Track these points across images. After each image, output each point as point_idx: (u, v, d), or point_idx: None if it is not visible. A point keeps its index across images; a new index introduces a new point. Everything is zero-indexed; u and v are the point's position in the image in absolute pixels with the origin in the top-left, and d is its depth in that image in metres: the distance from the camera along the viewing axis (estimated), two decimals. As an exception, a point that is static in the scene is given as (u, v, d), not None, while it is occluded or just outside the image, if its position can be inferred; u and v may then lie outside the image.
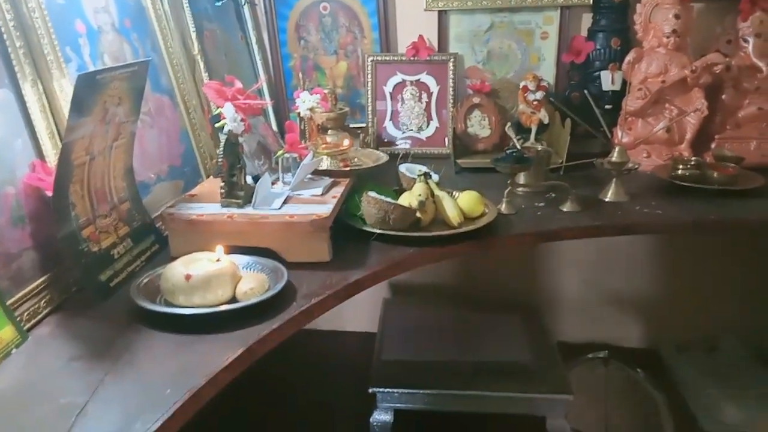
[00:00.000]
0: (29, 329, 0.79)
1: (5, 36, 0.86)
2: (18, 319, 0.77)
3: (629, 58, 1.54)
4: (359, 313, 1.98)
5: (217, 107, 1.08)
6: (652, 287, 1.91)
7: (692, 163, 1.41)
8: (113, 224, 0.95)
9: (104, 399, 0.67)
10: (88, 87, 0.80)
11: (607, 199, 1.31)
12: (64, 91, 0.92)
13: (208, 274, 0.84)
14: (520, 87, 1.59)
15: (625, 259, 1.88)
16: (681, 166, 1.41)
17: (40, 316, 0.82)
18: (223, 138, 1.03)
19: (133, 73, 0.92)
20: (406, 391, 1.45)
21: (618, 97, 1.60)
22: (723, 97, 1.53)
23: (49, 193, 0.83)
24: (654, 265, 1.89)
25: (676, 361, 1.87)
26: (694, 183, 1.34)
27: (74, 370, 0.72)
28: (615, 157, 1.31)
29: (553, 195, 1.33)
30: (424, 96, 1.71)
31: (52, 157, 0.88)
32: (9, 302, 0.77)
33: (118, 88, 0.88)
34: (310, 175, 1.20)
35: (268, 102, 1.58)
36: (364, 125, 1.72)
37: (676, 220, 1.23)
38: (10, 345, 0.74)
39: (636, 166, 1.34)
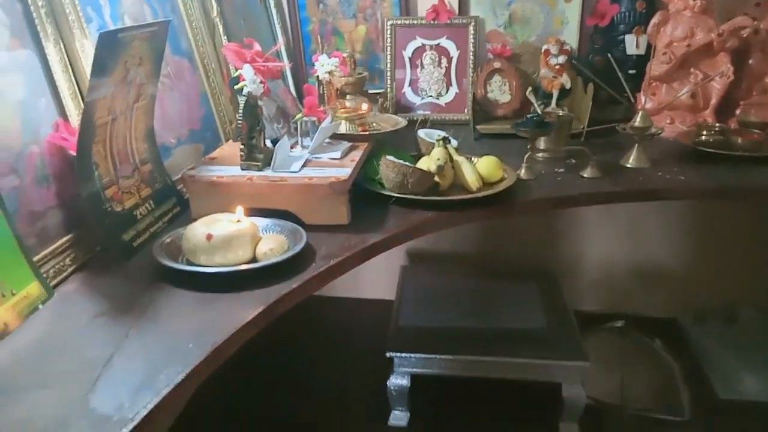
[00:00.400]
0: (55, 286, 0.81)
1: (27, -5, 0.87)
2: (44, 275, 0.79)
3: (654, 20, 1.50)
4: (377, 281, 1.99)
5: (237, 69, 1.07)
6: (672, 256, 1.89)
7: (716, 129, 1.39)
8: (135, 185, 0.96)
9: (129, 352, 0.68)
10: (109, 46, 0.81)
11: (628, 165, 1.29)
12: (86, 51, 0.93)
13: (228, 234, 0.85)
14: (542, 51, 1.56)
15: (644, 228, 1.86)
16: (705, 132, 1.38)
17: (65, 274, 0.84)
18: (242, 100, 1.03)
19: (154, 33, 0.91)
20: (422, 356, 1.47)
21: (642, 61, 1.57)
22: (750, 61, 1.49)
23: (73, 153, 0.84)
24: (674, 233, 1.87)
25: (694, 330, 1.86)
26: (717, 149, 1.31)
27: (99, 325, 0.74)
28: (638, 122, 1.29)
29: (574, 161, 1.31)
30: (444, 61, 1.69)
31: (74, 118, 0.89)
32: (35, 259, 0.79)
33: (138, 48, 0.88)
34: (328, 139, 1.19)
35: (286, 64, 1.57)
36: (382, 90, 1.71)
37: (699, 187, 1.22)
38: (36, 300, 0.76)
39: (659, 132, 1.32)
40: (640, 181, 1.22)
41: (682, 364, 1.73)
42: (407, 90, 1.72)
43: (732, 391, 1.64)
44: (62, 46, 0.91)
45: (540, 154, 1.34)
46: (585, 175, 1.23)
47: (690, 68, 1.50)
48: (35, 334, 0.72)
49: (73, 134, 0.86)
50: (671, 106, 1.49)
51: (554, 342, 1.49)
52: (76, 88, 0.91)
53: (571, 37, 1.65)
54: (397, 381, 1.50)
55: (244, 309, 0.77)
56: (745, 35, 1.45)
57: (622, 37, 1.60)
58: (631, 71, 1.58)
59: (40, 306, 0.76)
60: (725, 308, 1.89)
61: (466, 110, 1.68)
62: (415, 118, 1.60)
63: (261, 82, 1.04)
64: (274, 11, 1.68)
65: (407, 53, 1.70)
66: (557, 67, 1.52)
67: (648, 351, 1.83)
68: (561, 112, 1.42)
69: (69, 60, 0.91)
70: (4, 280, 0.72)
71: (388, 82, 1.70)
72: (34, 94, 0.86)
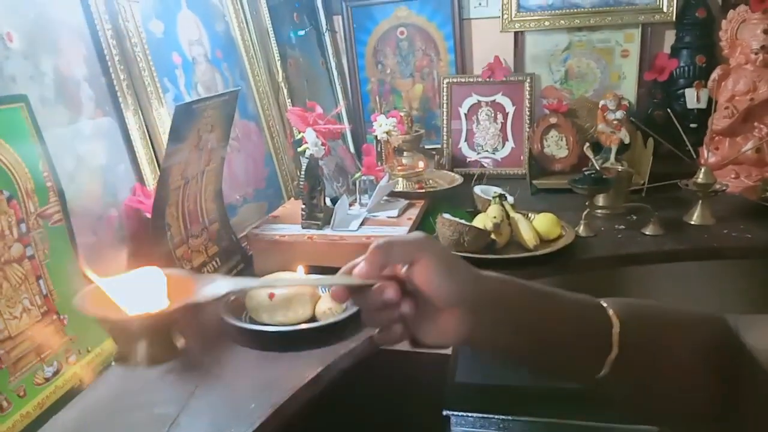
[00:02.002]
0: (127, 342, 0.85)
1: (111, 69, 0.95)
2: (118, 331, 0.83)
3: (715, 75, 1.48)
4: (433, 333, 1.98)
5: (300, 132, 1.12)
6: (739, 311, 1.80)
7: (784, 184, 1.34)
8: (204, 244, 1.00)
9: (195, 411, 0.71)
10: (184, 116, 0.86)
11: (692, 222, 1.26)
12: (162, 119, 1.00)
13: (290, 293, 0.88)
14: (600, 106, 1.56)
15: (710, 287, 1.79)
16: (772, 188, 1.34)
17: (137, 330, 0.88)
18: (304, 162, 1.08)
19: (225, 102, 0.97)
20: (480, 415, 1.45)
21: (704, 115, 1.54)
22: (817, 114, 1.45)
23: (148, 215, 0.89)
24: (741, 293, 1.79)
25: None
26: (785, 206, 1.27)
27: (167, 382, 0.77)
28: (701, 178, 1.26)
29: (635, 217, 1.29)
30: (500, 116, 1.71)
31: (150, 181, 0.95)
32: (110, 316, 0.83)
33: (210, 116, 0.94)
34: (386, 197, 1.22)
35: (346, 126, 1.63)
36: (438, 146, 1.74)
37: (767, 245, 1.17)
38: (109, 357, 0.80)
39: (723, 188, 1.29)
40: (705, 239, 1.19)
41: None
42: (463, 145, 1.74)
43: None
44: (141, 114, 0.98)
45: (599, 211, 1.32)
46: (647, 233, 1.21)
47: (754, 122, 1.47)
48: (108, 389, 0.76)
49: (148, 197, 0.92)
50: (735, 161, 1.46)
51: (618, 404, 1.43)
52: (153, 153, 0.98)
53: (629, 92, 1.65)
54: (454, 440, 1.47)
55: (304, 369, 0.78)
56: (811, 88, 1.41)
57: (681, 91, 1.58)
58: (692, 125, 1.55)
59: (113, 363, 0.80)
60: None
61: (522, 162, 1.69)
62: (471, 173, 1.62)
63: (322, 144, 1.09)
64: (335, 73, 1.76)
65: (463, 109, 1.73)
66: (615, 122, 1.52)
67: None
68: (620, 168, 1.41)
69: (147, 128, 0.98)
70: (80, 338, 0.76)
71: (445, 138, 1.73)
72: (114, 160, 0.92)
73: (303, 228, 1.07)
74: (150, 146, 0.98)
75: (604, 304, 0.56)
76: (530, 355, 0.55)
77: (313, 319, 0.89)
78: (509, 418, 1.43)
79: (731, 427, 0.55)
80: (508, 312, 0.52)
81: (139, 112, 0.98)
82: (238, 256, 1.10)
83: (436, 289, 0.50)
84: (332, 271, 1.00)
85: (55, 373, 0.72)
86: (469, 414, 1.44)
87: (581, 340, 0.54)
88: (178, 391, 0.75)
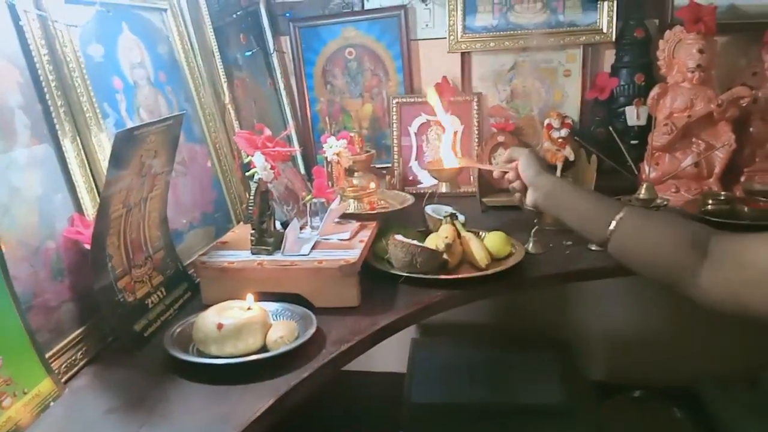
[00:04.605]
0: (66, 381, 0.81)
1: (47, 95, 0.91)
2: (56, 371, 0.79)
3: (654, 93, 1.54)
4: (387, 353, 1.96)
5: (248, 156, 1.10)
6: (687, 322, 1.86)
7: (722, 197, 1.40)
8: (148, 273, 0.97)
9: (140, 452, 0.68)
10: (125, 143, 0.84)
11: (636, 237, 1.29)
12: (102, 145, 0.96)
13: (239, 323, 0.86)
14: (545, 125, 1.60)
15: (658, 296, 1.85)
16: (711, 201, 1.39)
17: (76, 368, 0.84)
18: (253, 186, 1.06)
19: (169, 126, 0.95)
20: (436, 433, 1.44)
21: (644, 132, 1.60)
22: (751, 129, 1.52)
23: (88, 246, 0.86)
24: (689, 300, 1.85)
25: (714, 397, 1.81)
26: (725, 218, 1.32)
27: (111, 422, 0.74)
28: (643, 193, 1.30)
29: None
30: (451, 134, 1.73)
31: (90, 210, 0.92)
32: (48, 354, 0.79)
33: (154, 141, 0.91)
34: (337, 219, 1.21)
35: (296, 149, 1.62)
36: (389, 165, 1.74)
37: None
38: (48, 398, 0.76)
39: (665, 202, 1.33)
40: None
41: (704, 433, 1.68)
42: (413, 164, 1.75)
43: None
44: (79, 141, 0.94)
45: (548, 227, 1.34)
46: (593, 248, 1.24)
47: (692, 137, 1.53)
48: (46, 433, 0.72)
49: (88, 227, 0.88)
50: (675, 176, 1.51)
51: (574, 418, 1.45)
52: (92, 181, 0.94)
53: (572, 110, 1.69)
54: (412, 460, 1.46)
55: (255, 401, 0.76)
56: (744, 104, 1.48)
57: (622, 109, 1.64)
58: (633, 141, 1.61)
59: (52, 403, 0.76)
60: (745, 373, 1.85)
61: (471, 180, 1.70)
62: (422, 192, 1.62)
63: (272, 168, 1.07)
64: (283, 93, 1.75)
65: (413, 128, 1.74)
66: (560, 140, 1.55)
67: (667, 421, 1.78)
68: (566, 185, 1.44)
69: (86, 154, 0.95)
70: (16, 379, 0.72)
71: (395, 157, 1.74)
72: (50, 189, 0.89)
73: (253, 254, 1.05)
74: (89, 174, 0.94)
75: (622, 208, 0.89)
76: (566, 219, 0.97)
77: (264, 348, 0.87)
78: (466, 436, 1.43)
79: (695, 301, 0.84)
80: (551, 198, 0.98)
81: (78, 139, 0.94)
82: (185, 285, 1.07)
83: (522, 177, 1.02)
84: (283, 297, 0.99)
85: (-12, 419, 0.68)
86: (426, 434, 1.43)
87: (594, 216, 0.92)
88: (123, 431, 0.71)
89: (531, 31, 1.66)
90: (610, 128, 1.50)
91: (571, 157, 1.55)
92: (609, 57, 1.69)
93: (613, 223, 0.88)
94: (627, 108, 1.63)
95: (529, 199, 1.01)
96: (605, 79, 1.64)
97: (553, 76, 1.70)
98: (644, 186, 1.31)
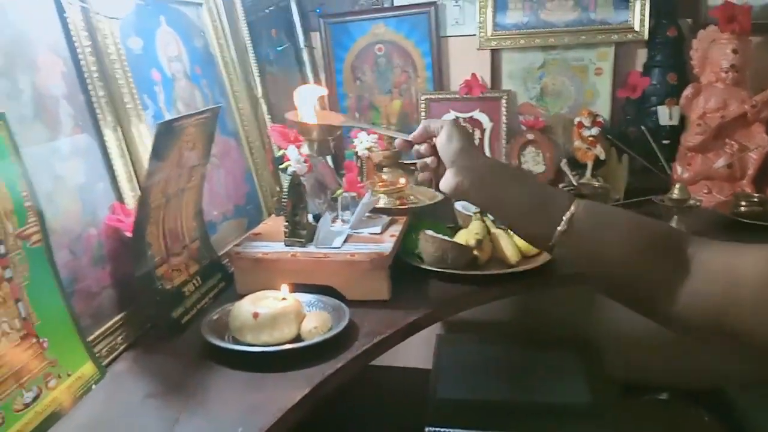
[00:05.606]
0: (107, 365, 0.83)
1: (90, 86, 0.93)
2: (97, 355, 0.81)
3: (687, 93, 1.52)
4: (411, 349, 1.96)
5: (281, 149, 1.12)
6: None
7: (755, 199, 1.38)
8: (185, 262, 0.99)
9: (180, 436, 0.69)
10: (166, 134, 0.85)
11: (667, 237, 1.28)
12: (142, 136, 0.98)
13: (274, 312, 0.87)
14: (575, 123, 1.59)
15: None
16: (743, 203, 1.38)
17: (116, 353, 0.86)
18: (286, 179, 1.07)
19: (206, 119, 0.96)
20: (462, 430, 1.44)
21: (675, 132, 1.58)
22: (786, 131, 1.50)
23: (128, 234, 0.88)
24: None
25: (744, 400, 1.79)
26: (757, 220, 1.30)
27: (150, 407, 0.75)
28: (676, 193, 1.29)
29: (612, 232, 1.31)
30: (477, 132, 1.73)
31: (129, 199, 0.94)
32: (90, 339, 0.81)
33: (192, 133, 0.93)
34: (367, 214, 1.22)
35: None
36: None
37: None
38: (90, 381, 0.78)
39: (698, 203, 1.32)
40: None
41: (733, 438, 1.66)
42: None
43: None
44: (120, 131, 0.96)
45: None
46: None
47: (725, 138, 1.51)
48: (88, 415, 0.74)
49: (128, 216, 0.90)
50: (708, 176, 1.49)
51: (598, 418, 1.44)
52: (132, 171, 0.96)
53: (603, 109, 1.68)
54: (436, 456, 1.46)
55: (291, 390, 0.77)
56: (779, 105, 1.46)
57: (654, 108, 1.62)
58: (665, 141, 1.59)
59: (93, 386, 0.78)
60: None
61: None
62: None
63: (304, 161, 1.08)
64: (313, 88, 1.76)
65: (441, 125, 1.74)
66: (591, 138, 1.54)
67: (695, 424, 1.76)
68: (596, 183, 1.43)
69: (126, 145, 0.96)
70: (61, 362, 0.74)
71: (423, 153, 1.74)
72: (92, 178, 0.90)
73: (286, 245, 1.06)
74: (129, 164, 0.96)
75: (571, 201, 0.71)
76: (499, 215, 0.79)
77: (298, 338, 0.88)
78: (491, 433, 1.43)
79: (660, 320, 0.70)
80: (484, 184, 0.75)
81: (119, 129, 0.96)
82: (219, 274, 1.08)
83: (441, 154, 0.78)
84: (317, 288, 1.00)
85: (35, 399, 0.69)
86: (451, 429, 1.43)
87: (537, 213, 0.72)
88: (162, 417, 0.73)
89: (562, 28, 1.65)
90: (643, 127, 1.49)
91: (602, 156, 1.54)
92: (641, 56, 1.67)
93: (563, 223, 0.69)
94: (659, 107, 1.61)
95: (449, 183, 0.76)
96: (637, 77, 1.62)
97: (583, 74, 1.69)
98: (677, 186, 1.30)
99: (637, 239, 0.68)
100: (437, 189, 0.82)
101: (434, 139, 0.80)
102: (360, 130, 1.40)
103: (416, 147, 0.84)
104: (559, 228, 0.69)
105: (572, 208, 0.69)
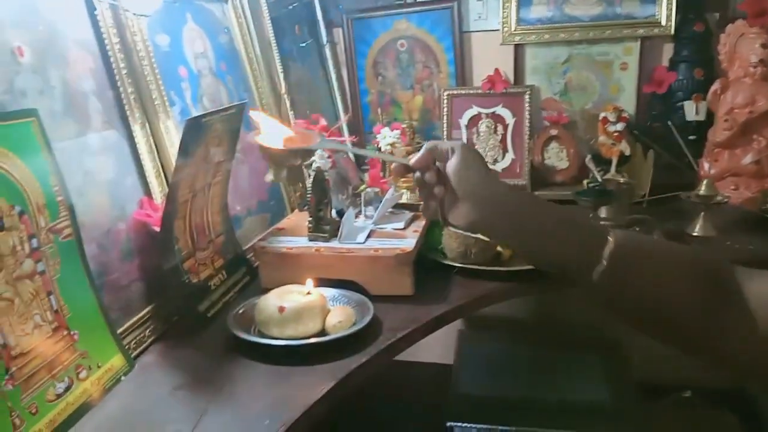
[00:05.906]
0: (136, 357, 0.84)
1: (118, 82, 0.94)
2: (126, 347, 0.83)
3: (714, 88, 1.50)
4: (432, 344, 1.96)
5: (305, 144, 1.12)
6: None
7: (784, 195, 1.36)
8: (210, 257, 1.00)
9: (208, 429, 0.70)
10: (194, 130, 0.86)
11: (695, 234, 1.27)
12: (170, 132, 0.99)
13: (300, 306, 0.87)
14: (600, 118, 1.57)
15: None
16: (772, 200, 1.35)
17: (144, 345, 0.87)
18: (310, 175, 1.08)
19: (232, 115, 0.97)
20: (483, 426, 1.44)
21: (702, 127, 1.56)
22: (816, 127, 1.47)
23: (156, 229, 0.89)
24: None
25: (765, 399, 1.76)
26: (786, 218, 1.28)
27: (179, 399, 0.76)
28: (703, 190, 1.27)
29: (638, 229, 1.29)
30: (500, 128, 1.72)
31: (157, 194, 0.95)
32: (119, 331, 0.82)
33: (219, 129, 0.93)
34: (390, 209, 1.22)
35: (351, 139, 1.63)
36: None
37: (770, 256, 1.18)
38: (119, 372, 0.79)
39: (725, 199, 1.30)
40: (708, 251, 1.20)
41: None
42: (464, 157, 1.74)
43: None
44: (148, 127, 0.98)
45: (602, 222, 1.33)
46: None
47: (752, 134, 1.48)
48: (118, 406, 0.75)
49: (156, 210, 0.91)
50: (735, 173, 1.47)
51: (618, 416, 1.43)
52: (160, 166, 0.97)
53: (629, 104, 1.66)
54: (457, 452, 1.46)
55: (316, 384, 0.78)
56: (808, 101, 1.43)
57: (680, 103, 1.59)
58: (691, 137, 1.57)
59: (123, 378, 0.79)
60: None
61: (523, 173, 1.69)
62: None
63: (328, 157, 1.09)
64: (335, 84, 1.76)
65: (463, 121, 1.73)
66: (616, 134, 1.53)
67: (719, 424, 1.74)
68: (621, 179, 1.42)
69: (154, 140, 0.98)
70: (91, 354, 0.76)
71: (445, 149, 1.73)
72: (121, 173, 0.92)
73: (310, 240, 1.07)
74: (157, 159, 0.97)
75: (609, 232, 0.66)
76: (526, 250, 0.71)
77: (322, 332, 0.89)
78: (513, 429, 1.42)
79: (710, 359, 0.65)
80: (507, 216, 0.67)
81: (147, 125, 0.97)
82: (244, 269, 1.09)
83: (455, 183, 0.68)
84: (341, 283, 1.01)
85: (67, 390, 0.71)
86: (473, 425, 1.43)
87: (572, 249, 0.65)
88: (191, 409, 0.74)
89: (587, 22, 1.63)
90: (669, 123, 1.47)
91: (627, 152, 1.52)
92: (667, 50, 1.65)
93: (603, 259, 0.63)
94: (686, 103, 1.58)
95: (468, 216, 0.69)
96: (663, 72, 1.60)
97: (608, 69, 1.67)
98: (704, 182, 1.29)
99: (682, 270, 0.64)
100: (445, 222, 0.72)
101: (438, 162, 0.70)
102: (383, 125, 1.40)
103: (422, 175, 0.71)
104: (598, 267, 0.63)
105: (610, 242, 0.63)
